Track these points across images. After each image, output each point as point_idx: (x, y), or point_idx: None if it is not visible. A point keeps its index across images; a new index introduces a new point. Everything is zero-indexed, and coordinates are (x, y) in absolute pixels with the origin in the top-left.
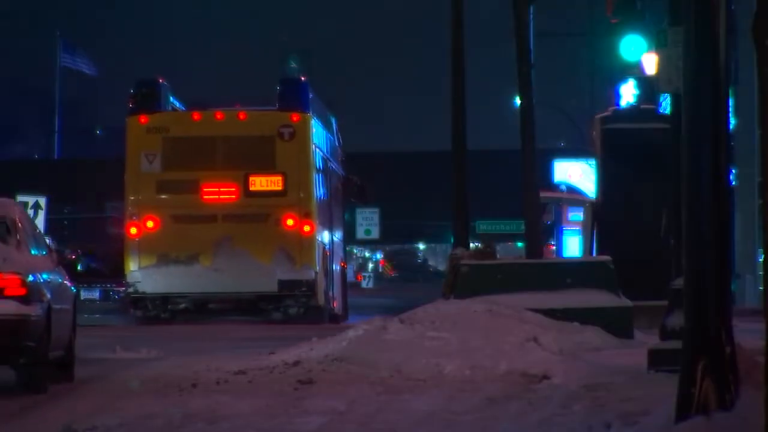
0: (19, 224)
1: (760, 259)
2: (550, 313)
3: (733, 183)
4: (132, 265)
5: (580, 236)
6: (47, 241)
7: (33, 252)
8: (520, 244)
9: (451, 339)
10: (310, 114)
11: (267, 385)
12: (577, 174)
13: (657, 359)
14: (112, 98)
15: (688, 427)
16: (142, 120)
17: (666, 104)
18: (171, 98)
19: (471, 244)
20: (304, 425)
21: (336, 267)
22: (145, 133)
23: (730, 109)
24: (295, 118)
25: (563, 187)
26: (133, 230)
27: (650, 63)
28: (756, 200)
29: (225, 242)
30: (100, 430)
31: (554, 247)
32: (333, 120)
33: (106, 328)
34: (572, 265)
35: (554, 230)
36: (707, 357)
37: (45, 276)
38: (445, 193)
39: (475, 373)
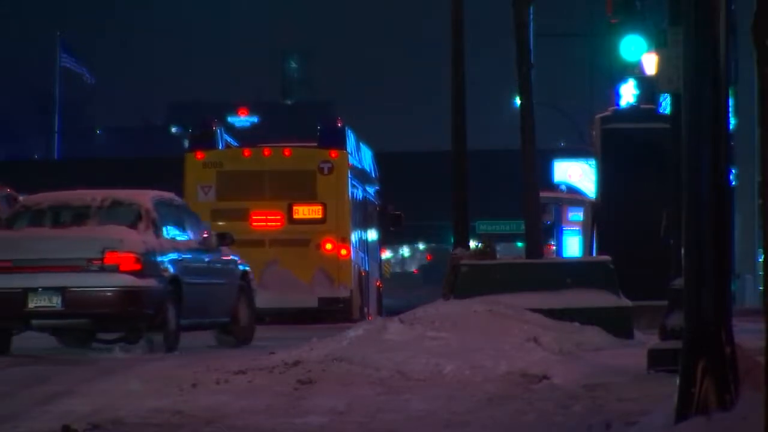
0: (153, 212)
1: (760, 259)
2: (550, 313)
3: (733, 183)
4: None
5: (580, 236)
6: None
7: (168, 235)
8: (520, 244)
9: (451, 339)
10: (346, 151)
11: (267, 385)
12: (577, 174)
13: (657, 359)
14: (112, 98)
15: (688, 427)
16: (199, 156)
17: (666, 104)
18: (225, 136)
19: (471, 244)
20: (304, 425)
21: (371, 286)
22: (201, 168)
23: (730, 109)
24: (333, 155)
25: (563, 187)
26: None
27: (650, 63)
28: (756, 200)
29: (271, 264)
30: (100, 430)
31: (554, 247)
32: (370, 153)
33: None
34: (572, 265)
35: (554, 230)
36: (707, 357)
37: (173, 255)
38: (445, 193)
39: (475, 373)
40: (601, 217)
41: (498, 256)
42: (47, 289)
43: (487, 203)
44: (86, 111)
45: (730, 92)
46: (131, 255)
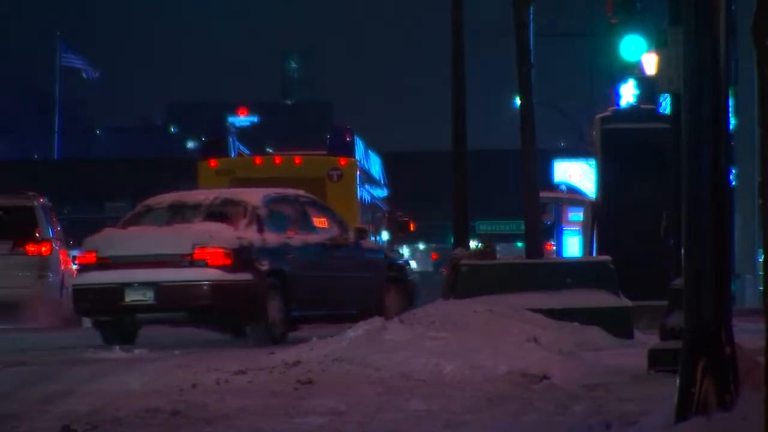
0: (260, 209)
1: (760, 259)
2: (550, 313)
3: (733, 183)
4: None
5: (580, 236)
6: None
7: (280, 231)
8: (520, 244)
9: (451, 339)
10: (355, 159)
11: (267, 385)
12: (577, 174)
13: (657, 359)
14: (112, 98)
15: (688, 427)
16: (212, 164)
17: (666, 104)
18: (238, 145)
19: (471, 244)
20: (304, 425)
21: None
22: (214, 175)
23: (730, 109)
24: (342, 163)
25: (563, 187)
26: None
27: (650, 63)
28: (756, 200)
29: None
30: (100, 430)
31: (554, 247)
32: (378, 160)
33: None
34: (572, 265)
35: (554, 230)
36: (707, 357)
37: (280, 249)
38: (445, 193)
39: (475, 373)
40: (601, 217)
41: (498, 256)
42: (142, 284)
43: (487, 203)
44: (86, 111)
45: (730, 92)
46: (220, 250)
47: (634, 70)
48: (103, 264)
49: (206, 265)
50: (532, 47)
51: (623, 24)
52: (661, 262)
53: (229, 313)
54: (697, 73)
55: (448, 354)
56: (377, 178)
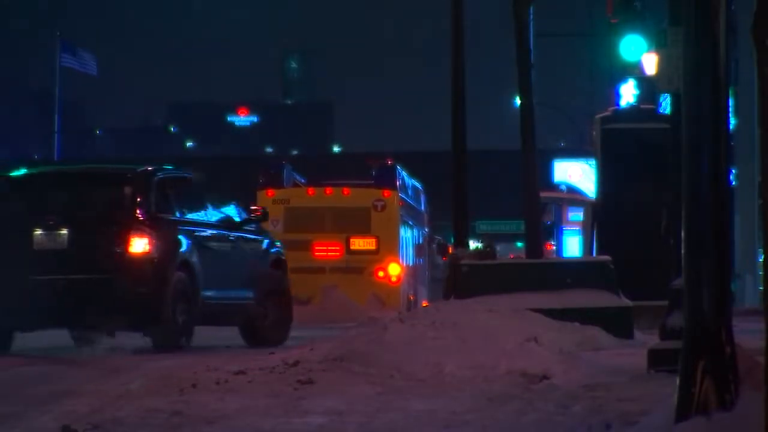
0: None
1: (760, 259)
2: (550, 313)
3: (733, 183)
4: None
5: (580, 236)
6: None
7: None
8: (520, 244)
9: (451, 339)
10: (397, 191)
11: (267, 385)
12: (577, 174)
13: (657, 359)
14: (112, 98)
15: (688, 427)
16: (269, 193)
17: (666, 104)
18: (294, 175)
19: (471, 244)
20: (304, 425)
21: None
22: (271, 204)
23: (730, 109)
24: (386, 194)
25: (563, 187)
26: None
27: (650, 63)
28: (756, 200)
29: (331, 288)
30: (100, 430)
31: (554, 247)
32: (418, 189)
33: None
34: (572, 265)
35: (554, 230)
36: (707, 357)
37: None
38: (445, 193)
39: (475, 373)
40: (601, 217)
41: (498, 255)
42: None
43: (487, 203)
44: (86, 111)
45: (730, 92)
46: None
47: (634, 70)
48: None
49: None
50: (532, 47)
51: (623, 24)
52: (661, 262)
53: None
54: (697, 73)
55: (448, 354)
56: (417, 205)
